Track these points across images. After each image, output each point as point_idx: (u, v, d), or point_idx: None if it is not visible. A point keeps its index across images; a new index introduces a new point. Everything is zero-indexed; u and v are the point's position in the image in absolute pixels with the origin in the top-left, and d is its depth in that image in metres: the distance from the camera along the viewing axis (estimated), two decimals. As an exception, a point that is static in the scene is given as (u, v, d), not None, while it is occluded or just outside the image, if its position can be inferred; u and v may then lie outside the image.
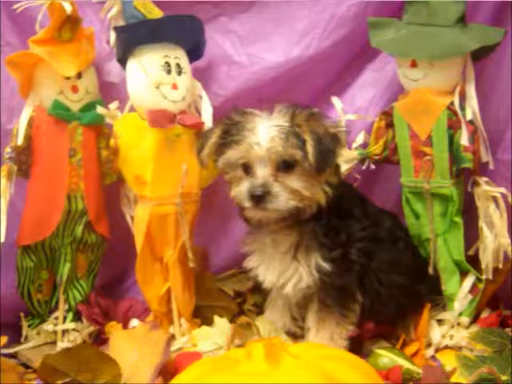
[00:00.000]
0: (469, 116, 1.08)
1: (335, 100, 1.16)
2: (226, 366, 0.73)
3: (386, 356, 1.00)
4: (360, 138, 1.15)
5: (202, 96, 1.15)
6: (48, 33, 1.09)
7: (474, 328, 1.08)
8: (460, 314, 1.11)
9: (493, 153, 1.11)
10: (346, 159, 1.14)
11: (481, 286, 1.11)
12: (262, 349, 0.72)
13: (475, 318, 1.12)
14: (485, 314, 1.14)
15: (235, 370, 0.72)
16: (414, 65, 1.09)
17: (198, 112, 1.16)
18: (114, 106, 1.14)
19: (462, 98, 1.09)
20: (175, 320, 1.13)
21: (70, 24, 1.10)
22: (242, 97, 1.17)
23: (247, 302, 1.20)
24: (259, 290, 1.14)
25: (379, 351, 1.01)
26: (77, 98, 1.12)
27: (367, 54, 1.18)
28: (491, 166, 1.10)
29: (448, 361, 0.99)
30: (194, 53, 1.15)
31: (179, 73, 1.11)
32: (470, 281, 1.11)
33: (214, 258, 1.25)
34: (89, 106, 1.12)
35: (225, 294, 1.20)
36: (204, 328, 1.10)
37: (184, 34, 1.12)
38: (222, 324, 1.10)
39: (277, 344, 0.73)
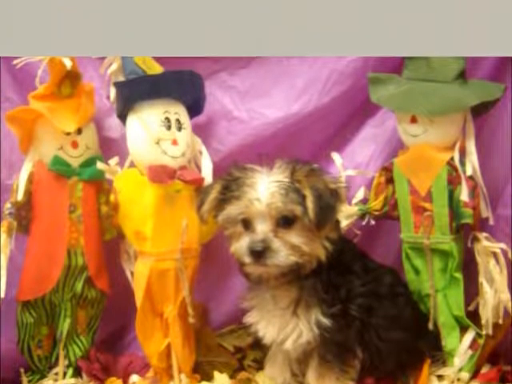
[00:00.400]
0: (469, 172, 1.08)
1: (335, 156, 1.16)
2: None
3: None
4: (360, 194, 1.15)
5: (202, 151, 1.15)
6: (48, 88, 1.10)
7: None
8: (460, 370, 1.10)
9: (492, 208, 1.10)
10: (346, 215, 1.13)
11: (481, 341, 1.10)
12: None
13: (475, 374, 1.11)
14: (485, 370, 1.12)
15: None
16: (414, 120, 1.09)
17: (198, 168, 1.16)
18: (114, 161, 1.15)
19: (462, 153, 1.09)
20: (175, 375, 1.12)
21: (70, 80, 1.11)
22: (241, 152, 1.17)
23: (247, 358, 1.19)
24: (259, 346, 1.13)
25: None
26: (77, 153, 1.12)
27: (367, 109, 1.18)
28: (491, 222, 1.09)
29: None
30: (194, 108, 1.15)
31: (179, 128, 1.11)
32: (469, 336, 1.11)
33: (214, 313, 1.25)
34: (89, 162, 1.13)
35: (225, 349, 1.19)
36: None
37: (184, 89, 1.12)
38: (221, 380, 1.09)
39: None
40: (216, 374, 1.11)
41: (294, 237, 0.98)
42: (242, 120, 1.19)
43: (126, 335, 1.25)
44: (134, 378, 1.14)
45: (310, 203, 0.96)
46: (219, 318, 1.24)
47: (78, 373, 1.15)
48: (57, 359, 1.15)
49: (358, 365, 1.04)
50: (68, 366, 1.15)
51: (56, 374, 1.14)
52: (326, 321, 1.00)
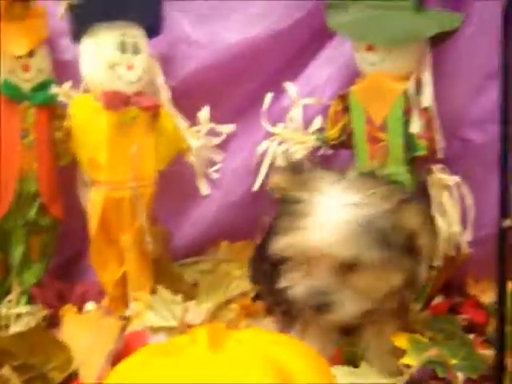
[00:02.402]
0: (425, 103, 1.08)
1: (289, 85, 1.15)
2: (169, 352, 0.72)
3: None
4: (316, 123, 1.14)
5: (159, 76, 1.13)
6: (-2, 9, 1.07)
7: (424, 314, 1.09)
8: (411, 301, 1.12)
9: (451, 136, 1.11)
10: (303, 145, 1.13)
11: (433, 272, 1.11)
12: (206, 334, 0.71)
13: (427, 305, 1.12)
14: (437, 301, 1.14)
15: (179, 355, 0.72)
16: (370, 49, 1.08)
17: (156, 92, 1.14)
18: (67, 85, 1.12)
19: (418, 84, 1.08)
20: (130, 304, 1.12)
21: (21, 0, 1.07)
22: (200, 76, 1.15)
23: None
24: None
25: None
26: (28, 77, 1.09)
27: (326, 33, 1.16)
28: (440, 155, 1.09)
29: (400, 343, 0.99)
30: (152, 30, 1.13)
31: (135, 52, 1.09)
32: (420, 267, 1.13)
33: (174, 240, 1.24)
34: (41, 86, 1.10)
35: (183, 279, 1.19)
36: (146, 295, 1.09)
37: (141, 11, 1.09)
38: (163, 294, 1.08)
39: (220, 329, 0.72)
40: (159, 288, 1.09)
41: (362, 281, 0.81)
42: (201, 43, 1.16)
43: (81, 262, 1.23)
44: (90, 305, 1.13)
45: (425, 241, 0.82)
46: (179, 245, 1.24)
47: (31, 300, 1.14)
48: (10, 287, 1.14)
49: None
50: (22, 294, 1.13)
51: (9, 301, 1.13)
52: None
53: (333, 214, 0.79)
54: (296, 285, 0.83)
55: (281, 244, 0.82)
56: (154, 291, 1.11)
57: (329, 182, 0.83)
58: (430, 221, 0.85)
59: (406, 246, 0.83)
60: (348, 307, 0.82)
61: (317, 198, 0.81)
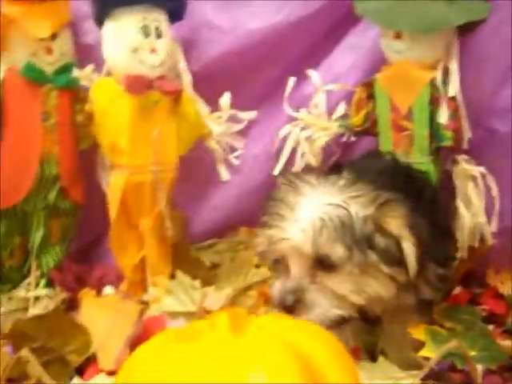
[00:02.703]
0: (451, 92, 1.06)
1: (311, 72, 1.14)
2: (189, 336, 0.72)
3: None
4: (340, 110, 1.13)
5: (181, 61, 1.12)
6: (22, -8, 1.06)
7: (444, 305, 1.08)
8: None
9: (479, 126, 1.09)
10: (326, 131, 1.12)
11: (455, 263, 1.11)
12: (227, 319, 0.71)
13: (446, 296, 1.11)
14: (457, 292, 1.13)
15: (199, 340, 0.71)
16: (397, 36, 1.07)
17: (178, 78, 1.13)
18: (90, 68, 1.12)
19: (445, 73, 1.07)
20: (149, 288, 1.12)
21: (45, -17, 1.07)
22: (222, 61, 1.15)
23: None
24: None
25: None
26: (51, 60, 1.09)
27: (350, 19, 1.15)
28: (465, 146, 1.08)
29: (419, 334, 0.99)
30: (175, 15, 1.12)
31: (158, 36, 1.08)
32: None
33: (193, 226, 1.24)
34: (63, 69, 1.10)
35: (202, 264, 1.19)
36: (164, 280, 1.09)
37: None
38: (182, 279, 1.08)
39: (241, 314, 0.72)
40: (178, 272, 1.09)
41: (338, 283, 0.79)
42: (224, 29, 1.15)
43: (100, 246, 1.24)
44: (108, 289, 1.14)
45: (409, 248, 0.78)
46: (198, 230, 1.23)
47: (50, 283, 1.14)
48: (29, 270, 1.14)
49: None
50: (41, 277, 1.14)
51: (28, 284, 1.13)
52: None
53: (309, 214, 0.79)
54: (273, 283, 0.83)
55: (259, 240, 0.83)
56: (172, 276, 1.11)
57: (313, 184, 0.82)
58: (412, 226, 0.80)
59: (389, 251, 0.80)
60: (321, 309, 0.79)
61: (298, 198, 0.80)
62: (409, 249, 0.79)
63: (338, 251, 0.78)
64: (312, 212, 0.78)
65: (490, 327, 1.00)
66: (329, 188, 0.81)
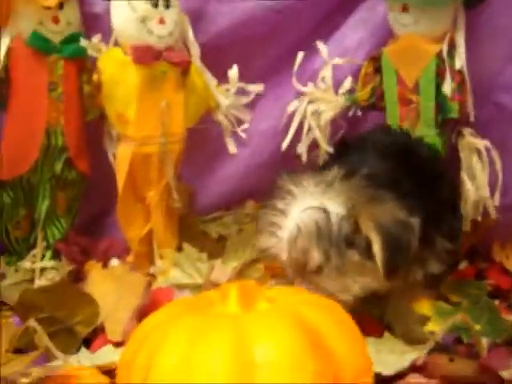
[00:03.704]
0: (458, 65, 1.06)
1: (320, 45, 1.13)
2: (199, 307, 0.73)
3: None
4: (347, 84, 1.13)
5: (189, 32, 1.11)
6: (28, -39, 1.05)
7: (450, 279, 1.09)
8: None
9: (485, 99, 1.09)
10: (333, 105, 1.12)
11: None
12: (236, 291, 0.71)
13: (452, 270, 1.12)
14: (462, 267, 1.14)
15: (208, 311, 0.72)
16: (405, 9, 1.06)
17: (187, 48, 1.12)
18: (97, 38, 1.10)
19: (452, 46, 1.07)
20: (156, 260, 1.12)
21: (51, -49, 1.06)
22: (230, 33, 1.14)
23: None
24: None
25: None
26: (58, 29, 1.08)
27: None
28: (472, 118, 1.08)
29: (424, 309, 1.00)
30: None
31: (167, 6, 1.07)
32: (448, 232, 1.12)
33: (200, 199, 1.24)
34: (70, 38, 1.09)
35: (209, 236, 1.19)
36: (172, 252, 1.10)
37: (174, -36, 1.07)
38: (189, 252, 1.09)
39: (251, 287, 0.72)
40: (185, 245, 1.09)
41: (326, 283, 0.82)
42: (233, 1, 1.14)
43: (106, 218, 1.24)
44: (114, 261, 1.14)
45: (377, 250, 0.78)
46: (204, 203, 1.23)
47: (56, 255, 1.14)
48: (35, 241, 1.14)
49: None
50: (46, 249, 1.14)
51: (34, 255, 1.13)
52: None
53: (291, 221, 0.81)
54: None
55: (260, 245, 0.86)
56: (179, 248, 1.12)
57: (303, 186, 0.83)
58: (384, 227, 0.79)
59: (371, 248, 0.80)
60: None
61: (288, 203, 0.83)
62: (377, 252, 0.79)
63: (313, 257, 0.80)
64: (294, 219, 0.81)
65: (496, 302, 1.01)
66: (313, 189, 0.83)
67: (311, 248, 0.80)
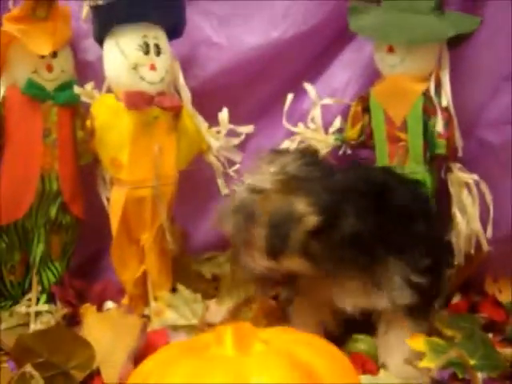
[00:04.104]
0: (444, 102, 1.09)
1: (308, 86, 1.16)
2: (194, 350, 0.73)
3: (363, 341, 1.00)
4: (336, 123, 1.15)
5: (180, 77, 1.14)
6: (22, 11, 1.07)
7: (444, 313, 1.09)
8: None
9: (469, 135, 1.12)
10: (323, 145, 1.14)
11: (452, 271, 1.12)
12: (231, 333, 0.72)
13: (446, 304, 1.13)
14: (455, 300, 1.15)
15: (204, 354, 0.72)
16: (391, 50, 1.09)
17: (178, 92, 1.15)
18: (90, 85, 1.13)
19: (437, 84, 1.09)
20: (151, 302, 1.13)
21: (46, 2, 1.08)
22: (220, 78, 1.17)
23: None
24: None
25: (357, 336, 1.01)
26: (52, 77, 1.10)
27: (345, 36, 1.17)
28: (460, 154, 1.11)
29: (418, 345, 1.00)
30: (174, 32, 1.14)
31: (158, 53, 1.09)
32: (442, 265, 1.13)
33: (192, 239, 1.25)
34: (64, 86, 1.11)
35: (202, 276, 1.20)
36: (166, 294, 1.10)
37: (164, 13, 1.10)
38: (183, 293, 1.10)
39: (246, 329, 0.73)
40: (179, 286, 1.10)
41: (243, 252, 0.90)
42: (222, 46, 1.17)
43: (100, 261, 1.25)
44: (109, 304, 1.14)
45: (259, 232, 0.86)
46: (197, 244, 1.25)
47: (51, 299, 1.15)
48: (30, 285, 1.15)
49: None
50: (41, 292, 1.14)
51: (29, 299, 1.14)
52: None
53: (237, 200, 0.88)
54: None
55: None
56: (173, 289, 1.12)
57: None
58: (276, 212, 0.85)
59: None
60: None
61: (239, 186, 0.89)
62: (258, 234, 0.86)
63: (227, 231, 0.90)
64: (239, 198, 0.89)
65: (490, 335, 1.02)
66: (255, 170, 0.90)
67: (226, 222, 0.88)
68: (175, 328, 1.05)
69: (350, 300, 0.92)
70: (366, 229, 0.86)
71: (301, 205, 0.84)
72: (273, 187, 0.86)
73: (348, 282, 0.90)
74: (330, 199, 0.85)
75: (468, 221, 1.10)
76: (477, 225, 1.10)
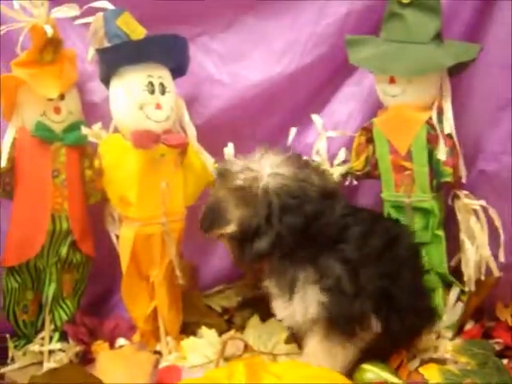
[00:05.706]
0: (447, 130, 1.10)
1: (315, 117, 1.17)
2: (208, 387, 0.74)
3: (371, 371, 1.00)
4: (341, 155, 1.16)
5: (185, 115, 1.16)
6: (30, 55, 1.10)
7: (458, 340, 1.09)
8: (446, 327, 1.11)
9: (471, 164, 1.13)
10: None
11: (464, 298, 1.12)
12: (244, 369, 0.72)
13: (459, 331, 1.13)
14: (468, 326, 1.15)
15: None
16: (392, 81, 1.10)
17: (184, 130, 1.16)
18: (97, 126, 1.15)
19: (440, 112, 1.10)
20: (162, 338, 1.13)
21: (52, 46, 1.10)
22: (224, 115, 1.19)
23: (235, 318, 1.20)
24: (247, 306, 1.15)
25: (365, 366, 1.01)
26: (60, 119, 1.12)
27: (346, 69, 1.19)
28: (464, 180, 1.11)
29: (432, 375, 0.99)
30: (178, 71, 1.16)
31: (163, 92, 1.11)
32: (454, 293, 1.13)
33: (201, 273, 1.26)
34: (72, 127, 1.13)
35: (212, 310, 1.21)
36: (192, 339, 1.11)
37: (168, 53, 1.12)
38: (209, 335, 1.10)
39: (258, 364, 0.73)
40: (204, 329, 1.10)
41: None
42: (224, 83, 1.19)
43: (111, 298, 1.26)
44: (121, 341, 1.15)
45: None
46: (206, 278, 1.25)
47: (64, 337, 1.15)
48: (43, 324, 1.15)
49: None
50: (54, 331, 1.15)
51: (42, 338, 1.15)
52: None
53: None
54: None
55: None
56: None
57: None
58: (211, 201, 1.00)
59: None
60: None
61: None
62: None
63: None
64: None
65: (504, 361, 1.01)
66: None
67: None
68: (195, 367, 1.05)
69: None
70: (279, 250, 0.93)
71: (235, 212, 0.95)
72: (241, 184, 0.95)
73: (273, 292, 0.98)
74: (257, 221, 0.92)
75: (477, 247, 1.10)
76: (486, 251, 1.10)
